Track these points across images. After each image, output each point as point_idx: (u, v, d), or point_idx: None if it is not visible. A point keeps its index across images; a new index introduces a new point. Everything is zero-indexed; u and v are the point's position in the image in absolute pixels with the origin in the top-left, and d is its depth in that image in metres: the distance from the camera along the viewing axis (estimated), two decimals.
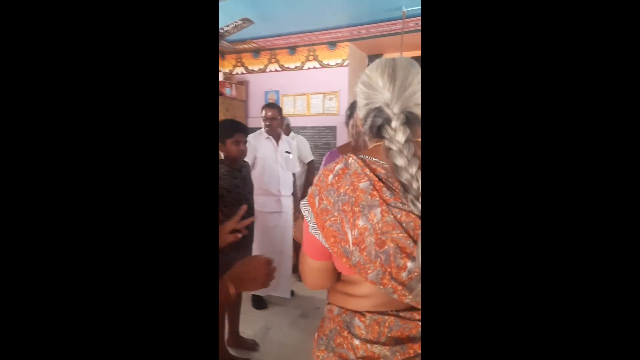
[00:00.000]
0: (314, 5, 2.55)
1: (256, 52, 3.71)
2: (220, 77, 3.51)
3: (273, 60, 3.68)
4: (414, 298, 0.51)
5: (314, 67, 3.51)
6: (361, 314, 0.59)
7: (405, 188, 0.51)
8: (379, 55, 3.63)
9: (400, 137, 0.53)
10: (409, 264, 0.50)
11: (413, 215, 0.50)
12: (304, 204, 0.60)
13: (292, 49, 3.56)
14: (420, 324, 0.56)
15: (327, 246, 0.56)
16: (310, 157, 2.60)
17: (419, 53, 3.50)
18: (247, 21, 2.29)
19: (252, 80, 3.82)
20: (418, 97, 0.56)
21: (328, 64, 3.45)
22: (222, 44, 2.54)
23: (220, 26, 2.38)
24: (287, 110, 3.61)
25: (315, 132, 3.56)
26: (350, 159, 0.55)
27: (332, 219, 0.54)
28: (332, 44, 3.38)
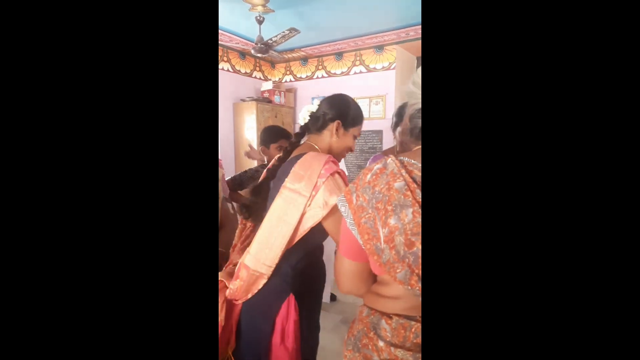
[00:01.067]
0: (360, 10, 2.55)
1: (304, 59, 3.81)
2: (270, 86, 3.66)
3: (320, 67, 3.75)
4: None
5: (360, 72, 3.50)
6: (388, 316, 0.58)
7: None
8: None
9: None
10: None
11: None
12: (340, 200, 0.61)
13: (339, 55, 3.60)
14: None
15: (361, 242, 0.57)
16: None
17: None
18: (293, 30, 2.37)
19: (300, 87, 3.92)
20: None
21: (375, 68, 3.42)
22: (271, 54, 2.65)
23: (268, 37, 2.50)
24: None
25: (361, 136, 3.54)
26: (389, 159, 0.56)
27: (366, 216, 0.55)
28: (379, 48, 3.35)
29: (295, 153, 0.97)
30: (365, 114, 3.46)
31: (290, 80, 3.97)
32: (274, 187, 0.93)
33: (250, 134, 3.46)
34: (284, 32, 2.39)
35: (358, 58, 3.50)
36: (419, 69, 0.59)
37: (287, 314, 0.86)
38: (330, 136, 0.97)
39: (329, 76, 3.70)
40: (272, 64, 3.99)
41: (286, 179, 0.85)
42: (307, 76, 3.85)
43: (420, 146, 0.58)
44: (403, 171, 0.53)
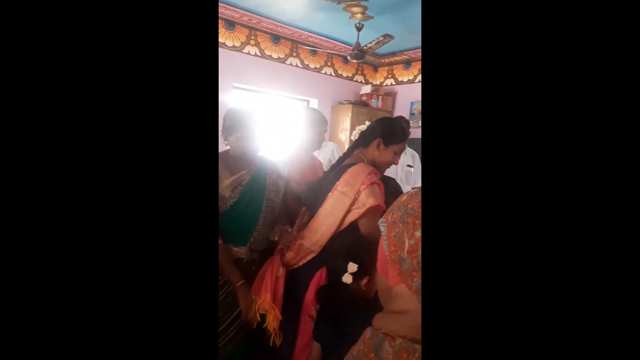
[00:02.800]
0: None
1: (407, 63, 3.73)
2: (368, 89, 3.72)
3: (390, 75, 3.62)
4: None
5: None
6: (392, 338, 0.61)
7: None
8: None
9: None
10: None
11: None
12: (381, 221, 0.68)
13: (407, 64, 3.40)
14: None
15: (387, 253, 0.62)
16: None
17: None
18: (387, 37, 2.37)
19: (401, 91, 3.86)
20: None
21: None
22: (367, 59, 2.71)
23: (364, 43, 2.56)
24: None
25: None
26: None
27: (396, 229, 0.61)
28: None
29: (346, 162, 1.19)
30: None
31: (392, 84, 3.95)
32: (326, 187, 1.16)
33: (344, 135, 3.61)
34: (378, 38, 2.42)
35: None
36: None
37: (319, 280, 1.12)
38: (373, 151, 1.17)
39: (397, 84, 3.54)
40: (375, 67, 4.03)
41: (338, 183, 1.10)
42: (408, 80, 3.76)
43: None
44: None
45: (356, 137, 1.25)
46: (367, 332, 0.65)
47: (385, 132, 1.15)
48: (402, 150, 1.19)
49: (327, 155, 2.48)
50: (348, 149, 1.25)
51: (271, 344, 1.12)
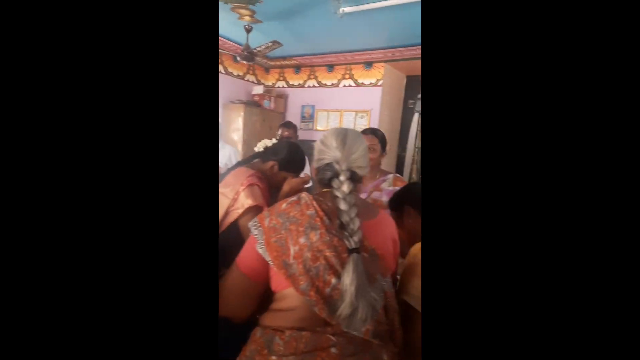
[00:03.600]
0: (349, 27, 2.62)
1: (297, 67, 3.89)
2: (261, 90, 3.74)
3: (312, 76, 3.82)
4: (342, 321, 0.61)
5: (349, 85, 3.58)
6: (281, 331, 0.65)
7: (343, 226, 0.66)
8: (417, 76, 3.58)
9: (346, 188, 0.68)
10: (333, 280, 0.63)
11: (343, 242, 0.64)
12: (253, 224, 0.72)
13: (330, 67, 3.67)
14: (331, 337, 0.63)
15: (268, 259, 0.67)
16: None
17: None
18: (276, 43, 2.45)
19: (292, 94, 4.00)
20: (360, 162, 0.73)
21: (363, 83, 3.49)
22: (258, 61, 2.73)
23: (254, 46, 2.58)
24: (320, 124, 3.74)
25: None
26: (304, 194, 0.72)
27: (277, 236, 0.67)
28: (368, 64, 3.42)
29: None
30: (350, 126, 3.55)
31: (283, 87, 4.05)
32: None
33: (237, 135, 3.55)
34: (267, 43, 2.47)
35: (348, 72, 3.58)
36: (326, 133, 0.77)
37: None
38: (267, 169, 1.21)
39: (320, 86, 3.78)
40: (266, 69, 4.07)
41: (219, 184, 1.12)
42: (299, 84, 3.93)
43: (327, 190, 0.75)
44: (314, 203, 0.69)
45: (260, 150, 1.28)
46: (257, 332, 0.70)
47: (284, 157, 1.20)
48: (297, 179, 1.19)
49: (224, 159, 2.39)
50: (248, 157, 1.29)
51: None
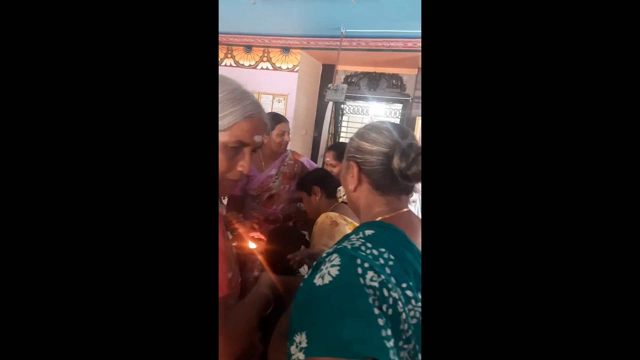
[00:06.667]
0: (266, 13, 2.67)
1: (248, 47, 3.77)
2: None
3: (229, 55, 3.76)
4: None
5: (267, 69, 3.63)
6: None
7: None
8: (332, 65, 3.82)
9: None
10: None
11: None
12: None
13: (249, 48, 3.66)
14: None
15: None
16: None
17: (353, 68, 3.73)
18: None
19: (243, 74, 3.88)
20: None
21: (280, 67, 3.58)
22: None
23: None
24: None
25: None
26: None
27: None
28: (286, 49, 3.52)
29: None
30: (268, 109, 3.63)
31: (231, 65, 3.89)
32: None
33: None
34: None
35: (266, 55, 3.62)
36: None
37: None
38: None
39: (237, 66, 3.74)
40: None
41: None
42: (250, 65, 3.82)
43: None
44: None
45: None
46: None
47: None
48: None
49: None
50: None
51: None
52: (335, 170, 1.65)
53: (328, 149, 1.83)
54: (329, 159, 1.72)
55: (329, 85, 2.77)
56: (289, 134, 1.73)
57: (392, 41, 2.85)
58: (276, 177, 1.76)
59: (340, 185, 1.21)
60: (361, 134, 0.66)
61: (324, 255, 0.54)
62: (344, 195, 1.16)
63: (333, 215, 1.10)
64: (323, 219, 1.11)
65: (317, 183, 1.29)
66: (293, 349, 0.48)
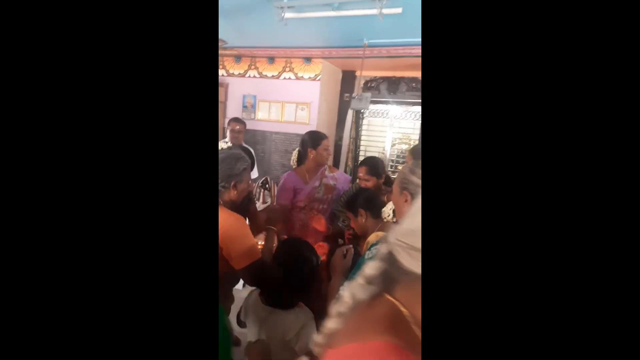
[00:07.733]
0: (290, 28, 2.79)
1: (238, 57, 3.93)
2: None
3: (253, 67, 3.91)
4: None
5: (290, 78, 3.76)
6: None
7: None
8: (351, 72, 3.92)
9: None
10: None
11: None
12: None
13: (271, 59, 3.80)
14: None
15: None
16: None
17: (373, 73, 3.81)
18: (220, 41, 2.52)
19: (232, 83, 4.04)
20: None
21: (302, 77, 3.71)
22: None
23: None
24: (262, 115, 3.89)
25: (286, 137, 3.85)
26: None
27: None
28: (308, 59, 3.63)
29: None
30: (291, 117, 3.78)
31: (223, 75, 4.06)
32: None
33: None
34: None
35: (288, 65, 3.75)
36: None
37: None
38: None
39: (261, 77, 3.89)
40: None
41: None
42: (239, 73, 3.98)
43: None
44: None
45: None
46: None
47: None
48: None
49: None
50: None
51: None
52: (369, 184, 1.78)
53: (360, 163, 1.96)
54: (362, 174, 1.85)
55: (354, 95, 2.87)
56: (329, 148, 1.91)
57: (413, 48, 2.93)
58: (319, 188, 1.92)
59: (383, 206, 1.33)
60: (412, 170, 0.81)
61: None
62: (388, 216, 1.28)
63: (381, 235, 1.22)
64: (373, 238, 1.24)
65: (363, 206, 1.43)
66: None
